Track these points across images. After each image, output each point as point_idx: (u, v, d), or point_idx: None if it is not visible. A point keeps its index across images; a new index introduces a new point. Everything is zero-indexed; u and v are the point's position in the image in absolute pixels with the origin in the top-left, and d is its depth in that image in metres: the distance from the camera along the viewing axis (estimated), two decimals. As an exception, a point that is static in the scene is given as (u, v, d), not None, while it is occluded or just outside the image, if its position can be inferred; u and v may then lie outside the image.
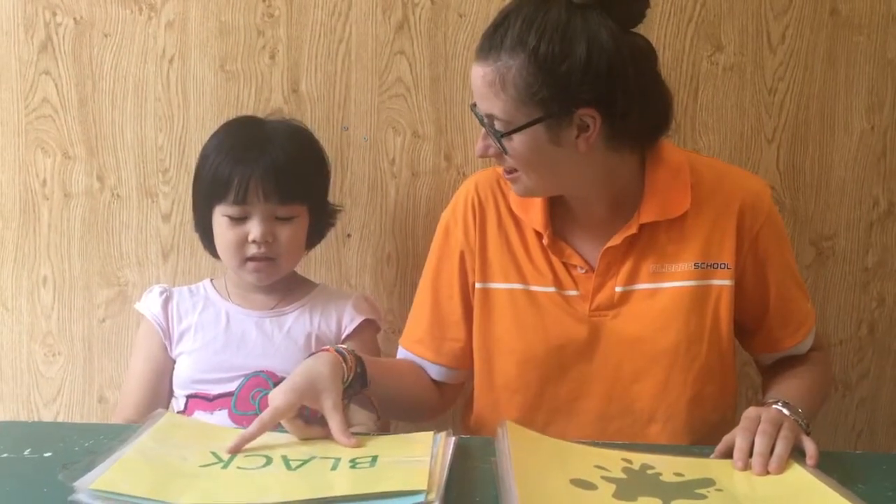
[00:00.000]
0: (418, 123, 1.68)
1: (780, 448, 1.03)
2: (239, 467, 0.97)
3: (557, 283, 1.26)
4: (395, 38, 1.66)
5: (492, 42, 1.13)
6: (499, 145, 1.16)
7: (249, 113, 1.60)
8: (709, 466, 1.04)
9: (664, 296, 1.22)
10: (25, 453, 1.03)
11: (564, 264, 1.26)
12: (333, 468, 0.98)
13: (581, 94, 1.10)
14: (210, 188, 1.41)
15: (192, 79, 1.68)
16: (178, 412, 1.43)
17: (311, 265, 1.70)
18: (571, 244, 1.26)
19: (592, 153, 1.16)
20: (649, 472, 1.02)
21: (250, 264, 1.41)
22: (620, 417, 1.25)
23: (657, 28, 1.65)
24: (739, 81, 1.66)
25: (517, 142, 1.14)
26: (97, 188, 1.72)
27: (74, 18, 1.67)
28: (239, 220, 1.39)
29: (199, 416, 1.40)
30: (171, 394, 1.47)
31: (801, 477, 0.99)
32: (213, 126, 1.63)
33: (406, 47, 1.65)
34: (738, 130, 1.68)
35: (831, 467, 1.01)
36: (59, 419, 1.77)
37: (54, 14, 1.67)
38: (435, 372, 1.36)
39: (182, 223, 1.72)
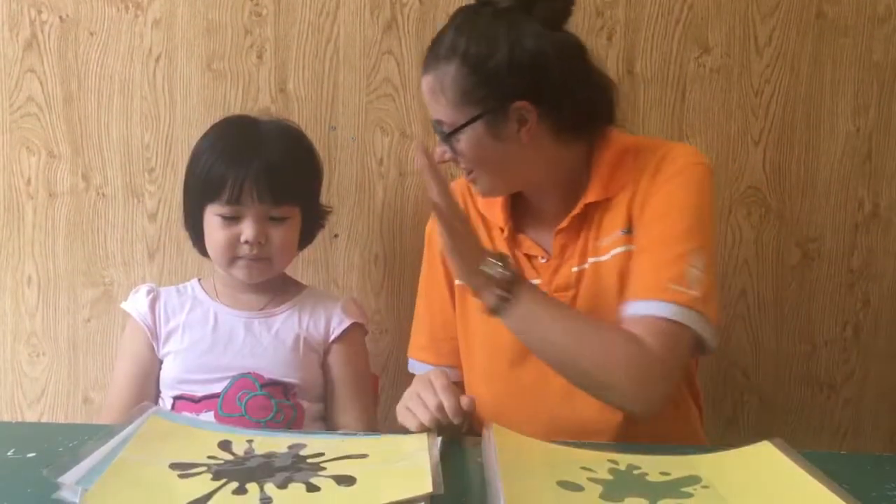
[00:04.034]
0: (406, 123, 1.68)
1: None
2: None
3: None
4: (383, 38, 1.65)
5: (431, 53, 1.22)
6: (449, 148, 1.23)
7: (236, 112, 1.60)
8: (695, 464, 1.04)
9: (604, 269, 1.25)
10: (9, 454, 1.02)
11: (527, 256, 1.30)
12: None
13: (510, 88, 1.17)
14: (203, 188, 1.40)
15: (178, 78, 1.67)
16: None
17: (299, 266, 1.69)
18: (531, 236, 1.31)
19: (540, 146, 1.22)
20: (635, 472, 1.02)
21: (241, 261, 1.41)
22: (585, 394, 1.24)
23: (644, 30, 1.65)
24: (726, 83, 1.67)
25: (463, 142, 1.21)
26: (82, 187, 1.71)
27: (60, 16, 1.66)
28: (232, 220, 1.39)
29: None
30: (158, 395, 1.46)
31: (788, 470, 1.00)
32: (199, 125, 1.62)
33: (394, 47, 1.65)
34: (724, 132, 1.69)
35: (816, 468, 1.02)
36: (44, 420, 1.76)
37: (40, 12, 1.66)
38: None
39: (168, 222, 1.71)
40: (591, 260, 1.25)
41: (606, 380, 1.12)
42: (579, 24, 1.65)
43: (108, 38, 1.66)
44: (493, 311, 1.15)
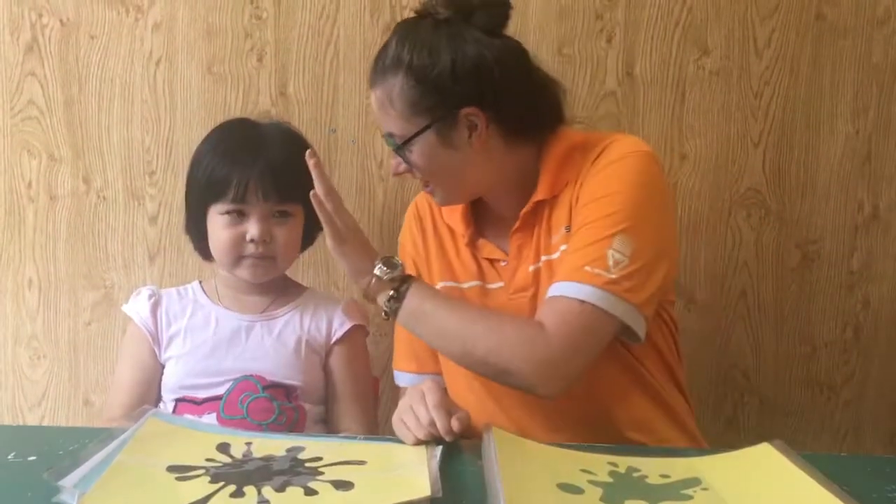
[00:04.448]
0: (406, 126, 1.68)
1: None
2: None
3: (481, 277, 1.31)
4: (382, 41, 1.64)
5: (376, 67, 1.24)
6: (402, 160, 1.24)
7: (237, 115, 1.60)
8: (695, 466, 1.05)
9: (553, 267, 1.24)
10: (10, 457, 1.02)
11: (489, 260, 1.31)
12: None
13: (456, 95, 1.19)
14: (206, 189, 1.40)
15: (179, 81, 1.68)
16: None
17: (299, 268, 1.69)
18: (491, 241, 1.32)
19: (492, 150, 1.23)
20: (635, 474, 1.02)
21: (246, 261, 1.41)
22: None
23: (644, 32, 1.65)
24: (726, 85, 1.67)
25: (416, 153, 1.22)
26: (83, 190, 1.71)
27: (61, 20, 1.66)
28: (237, 219, 1.39)
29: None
30: (159, 398, 1.46)
31: (788, 472, 1.00)
32: (200, 128, 1.63)
33: (394, 50, 1.65)
34: (724, 134, 1.69)
35: (816, 469, 1.02)
36: (44, 423, 1.76)
37: (40, 15, 1.66)
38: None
39: (169, 225, 1.71)
40: (543, 258, 1.26)
41: (504, 365, 1.14)
42: (578, 26, 1.65)
43: (109, 41, 1.67)
44: (386, 312, 1.19)
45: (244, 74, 1.67)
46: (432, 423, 1.09)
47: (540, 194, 1.26)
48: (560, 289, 1.15)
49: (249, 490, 0.93)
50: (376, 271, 1.19)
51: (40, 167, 1.70)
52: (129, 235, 1.72)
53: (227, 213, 1.39)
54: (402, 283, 1.19)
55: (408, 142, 1.22)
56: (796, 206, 1.71)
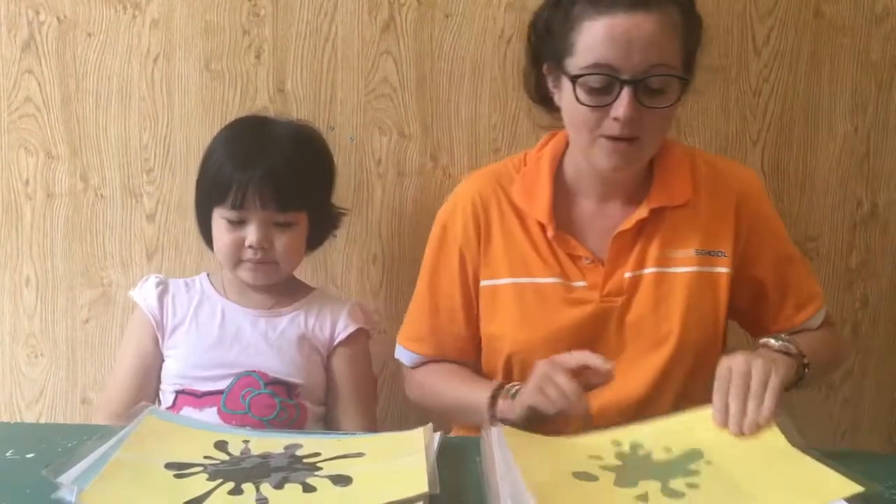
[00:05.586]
0: (404, 123, 1.68)
1: (753, 407, 1.05)
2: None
3: (563, 274, 1.27)
4: (381, 38, 1.65)
5: None
6: (639, 103, 1.14)
7: (234, 112, 1.60)
8: (691, 431, 1.05)
9: (668, 281, 1.24)
10: (8, 454, 1.02)
11: (570, 256, 1.27)
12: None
13: (697, 45, 1.20)
14: (210, 190, 1.40)
15: (176, 78, 1.67)
16: (167, 408, 1.41)
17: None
18: (576, 236, 1.28)
19: None
20: (640, 452, 1.03)
21: (247, 264, 1.40)
22: (619, 403, 1.23)
23: (643, 29, 1.65)
24: (724, 83, 1.67)
25: (676, 93, 1.16)
26: (80, 188, 1.70)
27: (58, 17, 1.66)
28: (236, 224, 1.38)
29: (188, 412, 1.39)
30: (158, 389, 1.45)
31: (784, 445, 1.01)
32: (198, 126, 1.63)
33: (392, 47, 1.65)
34: (722, 132, 1.69)
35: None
36: (42, 421, 1.76)
37: (38, 13, 1.65)
38: None
39: (166, 223, 1.71)
40: (652, 269, 1.25)
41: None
42: (577, 23, 1.65)
43: (106, 38, 1.66)
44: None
45: (242, 71, 1.67)
46: (577, 395, 1.06)
47: (655, 201, 1.25)
48: (822, 315, 1.36)
49: (248, 487, 0.93)
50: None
51: (37, 165, 1.70)
52: (126, 233, 1.72)
53: (228, 217, 1.38)
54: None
55: (688, 76, 1.17)
56: (795, 203, 1.71)
